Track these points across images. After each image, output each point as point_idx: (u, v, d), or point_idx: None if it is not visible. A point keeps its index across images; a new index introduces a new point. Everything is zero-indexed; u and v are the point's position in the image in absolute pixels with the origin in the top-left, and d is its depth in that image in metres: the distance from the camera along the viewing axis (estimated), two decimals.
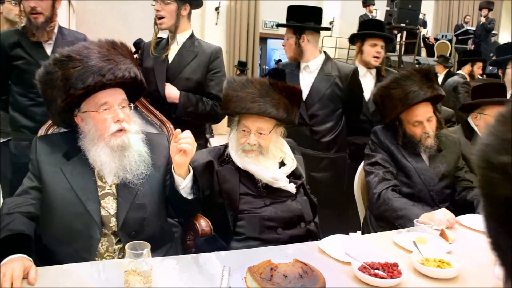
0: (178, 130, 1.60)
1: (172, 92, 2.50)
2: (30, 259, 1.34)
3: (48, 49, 2.52)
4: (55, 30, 2.56)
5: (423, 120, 2.24)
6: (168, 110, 2.45)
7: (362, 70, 3.08)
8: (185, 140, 1.57)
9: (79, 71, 1.52)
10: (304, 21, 2.74)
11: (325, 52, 2.88)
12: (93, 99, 1.59)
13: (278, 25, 2.98)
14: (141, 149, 1.67)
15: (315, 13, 2.80)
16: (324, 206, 2.70)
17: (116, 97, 1.62)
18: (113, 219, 1.62)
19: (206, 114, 2.54)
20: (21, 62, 2.46)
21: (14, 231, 1.42)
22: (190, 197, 1.67)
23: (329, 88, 2.73)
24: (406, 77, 2.26)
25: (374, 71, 3.13)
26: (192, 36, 2.62)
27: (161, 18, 2.51)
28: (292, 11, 2.81)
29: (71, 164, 1.62)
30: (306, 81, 2.81)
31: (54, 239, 1.59)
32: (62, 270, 1.35)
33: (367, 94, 3.03)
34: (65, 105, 1.58)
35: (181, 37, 2.59)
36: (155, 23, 2.57)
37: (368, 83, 3.06)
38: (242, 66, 8.67)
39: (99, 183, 1.64)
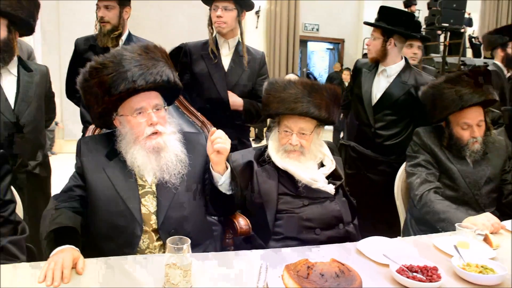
0: (214, 129, 1.66)
1: (236, 100, 2.59)
2: (78, 250, 1.42)
3: None
4: (123, 38, 2.77)
5: (473, 124, 2.17)
6: (230, 117, 2.55)
7: None
8: (218, 140, 1.62)
9: (112, 78, 1.56)
10: (395, 25, 2.71)
11: (406, 59, 2.85)
12: (128, 103, 1.64)
13: (367, 23, 2.89)
14: (178, 149, 1.71)
15: (408, 18, 2.79)
16: (374, 209, 2.69)
17: (150, 101, 1.65)
18: (153, 217, 1.67)
19: (261, 118, 2.60)
20: None
21: (62, 224, 1.51)
22: (229, 193, 1.73)
23: (402, 96, 2.72)
24: (460, 78, 2.19)
25: None
26: (239, 42, 2.69)
27: (222, 22, 2.57)
28: (384, 12, 2.79)
29: (113, 164, 1.68)
30: (380, 85, 2.81)
31: (98, 235, 1.66)
32: (107, 262, 1.42)
33: None
34: (102, 110, 1.65)
35: (232, 42, 2.66)
36: (210, 25, 2.64)
37: None
38: None
39: (140, 182, 1.69)
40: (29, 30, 2.37)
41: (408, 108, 2.73)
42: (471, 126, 2.17)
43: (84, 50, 2.73)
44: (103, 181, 1.66)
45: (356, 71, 2.99)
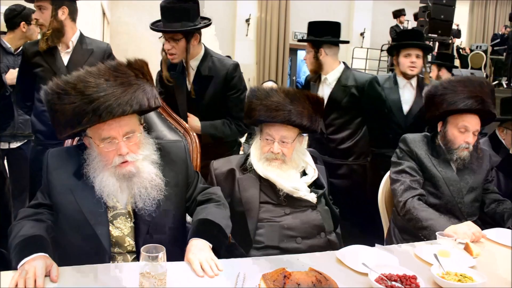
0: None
1: (194, 125, 2.52)
2: (50, 257, 1.37)
3: (65, 58, 2.64)
4: (73, 39, 2.66)
5: (470, 130, 2.17)
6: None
7: (402, 81, 3.12)
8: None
9: (75, 110, 1.42)
10: (322, 36, 2.84)
11: (344, 63, 2.95)
12: (96, 130, 1.50)
13: (299, 40, 3.08)
14: (152, 175, 1.57)
15: (333, 28, 2.90)
16: (345, 214, 2.70)
17: (120, 129, 1.50)
18: (128, 239, 1.59)
19: (231, 135, 2.60)
20: (39, 70, 2.60)
21: (25, 236, 1.42)
22: None
23: (345, 98, 2.81)
24: (478, 83, 2.19)
25: (414, 82, 3.11)
26: (205, 57, 2.55)
27: (172, 54, 2.45)
28: (311, 26, 2.92)
29: (81, 185, 1.56)
30: (324, 92, 2.88)
31: (64, 258, 1.55)
32: (81, 270, 1.39)
33: (406, 106, 3.06)
34: (67, 136, 1.55)
35: (194, 62, 2.54)
36: (163, 50, 2.49)
37: (407, 95, 3.08)
38: None
39: (110, 203, 1.58)
40: None
41: (354, 109, 2.83)
42: (468, 131, 2.17)
43: (32, 54, 2.61)
44: (70, 204, 1.55)
45: (306, 86, 3.10)
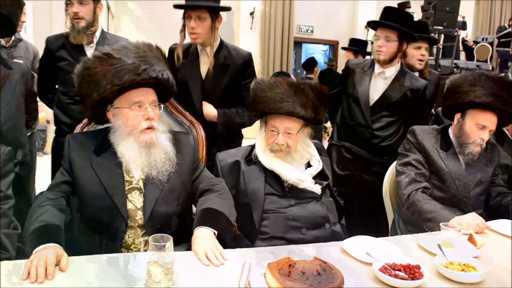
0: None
1: (210, 112, 2.55)
2: (61, 248, 1.42)
3: (89, 52, 2.68)
4: (97, 34, 2.72)
5: (488, 128, 2.17)
6: (209, 126, 2.49)
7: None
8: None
9: (117, 68, 1.59)
10: (406, 27, 2.68)
11: (401, 61, 2.86)
12: (126, 96, 1.67)
13: (385, 25, 2.70)
14: (167, 148, 1.74)
15: (412, 20, 2.79)
16: (368, 209, 2.68)
17: (148, 96, 1.69)
18: (139, 213, 1.69)
19: (244, 124, 2.63)
20: (64, 63, 2.65)
21: (45, 222, 1.50)
22: None
23: (400, 98, 2.74)
24: (508, 83, 2.18)
25: (416, 74, 3.09)
26: (220, 46, 2.60)
27: (196, 33, 2.49)
28: (396, 14, 2.70)
29: (101, 160, 1.71)
30: (378, 86, 2.80)
31: (82, 229, 1.69)
32: (90, 259, 1.42)
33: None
34: (100, 100, 1.65)
35: (211, 49, 2.57)
36: (183, 31, 2.56)
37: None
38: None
39: (127, 177, 1.71)
40: (11, 29, 2.30)
41: (404, 109, 2.76)
42: (485, 129, 2.16)
43: (56, 48, 2.68)
44: (89, 177, 1.68)
45: (348, 71, 2.93)
